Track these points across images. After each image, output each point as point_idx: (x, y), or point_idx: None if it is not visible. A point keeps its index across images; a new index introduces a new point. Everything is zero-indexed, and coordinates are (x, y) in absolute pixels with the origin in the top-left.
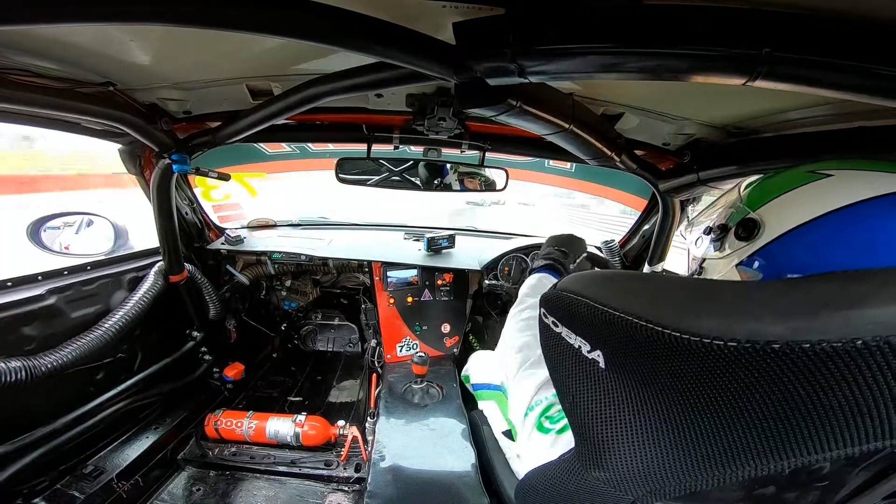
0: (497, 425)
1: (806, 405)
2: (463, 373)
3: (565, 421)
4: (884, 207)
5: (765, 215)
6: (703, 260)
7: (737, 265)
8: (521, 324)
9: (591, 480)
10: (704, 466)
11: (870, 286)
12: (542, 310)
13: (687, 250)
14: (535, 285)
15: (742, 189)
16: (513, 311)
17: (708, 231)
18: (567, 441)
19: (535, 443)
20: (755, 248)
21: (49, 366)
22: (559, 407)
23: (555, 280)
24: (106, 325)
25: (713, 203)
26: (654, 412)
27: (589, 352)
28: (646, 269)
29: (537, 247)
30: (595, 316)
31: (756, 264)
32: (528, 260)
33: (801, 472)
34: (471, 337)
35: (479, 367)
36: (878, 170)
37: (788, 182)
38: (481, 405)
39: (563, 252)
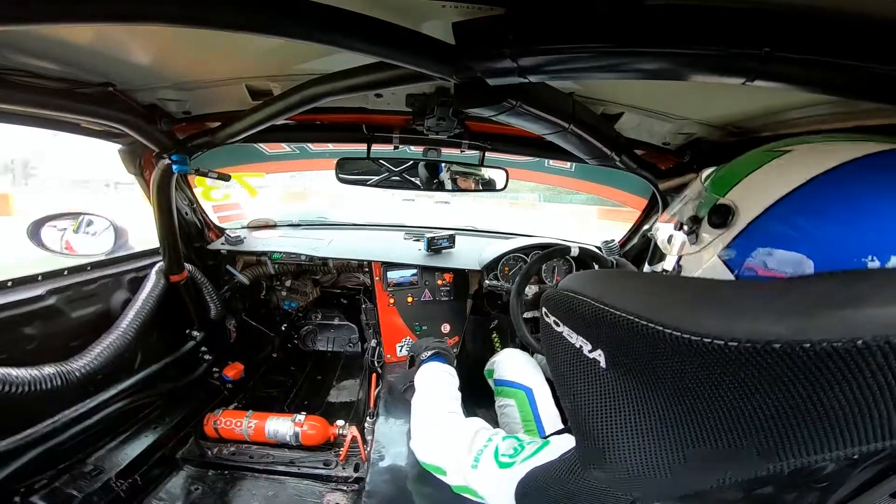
0: (509, 424)
1: (806, 405)
2: (487, 366)
3: (527, 451)
4: (850, 172)
5: (735, 199)
6: (680, 257)
7: (719, 254)
8: (432, 396)
9: (591, 480)
10: (705, 467)
11: (870, 285)
12: (544, 309)
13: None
14: (426, 376)
15: (703, 180)
16: (416, 398)
17: (679, 227)
18: (532, 464)
19: (502, 479)
20: (734, 233)
21: (82, 370)
22: (509, 443)
23: (444, 365)
24: (123, 326)
25: (676, 201)
26: (655, 412)
27: (590, 351)
28: (646, 269)
29: (538, 247)
30: (596, 315)
31: (739, 250)
32: (528, 260)
33: (800, 472)
34: (494, 335)
35: (508, 364)
36: (835, 141)
37: (749, 163)
38: (500, 401)
39: (438, 341)
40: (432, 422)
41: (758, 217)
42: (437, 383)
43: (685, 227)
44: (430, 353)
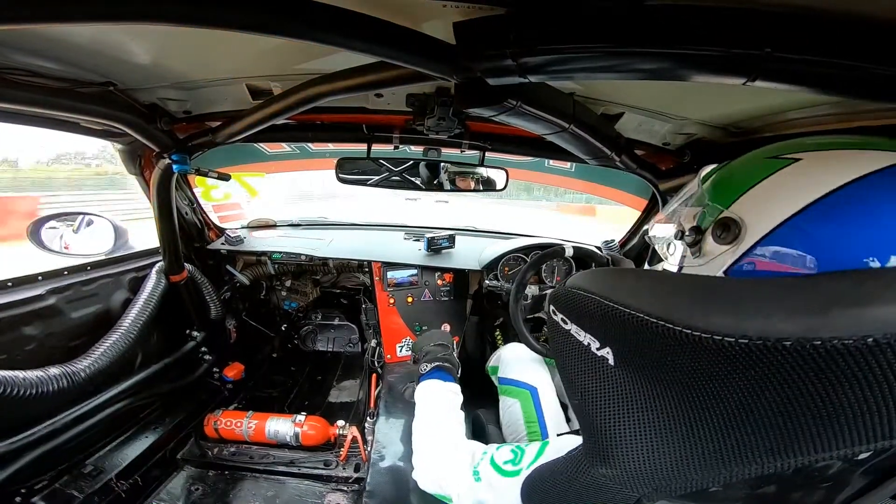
0: (513, 424)
1: (816, 402)
2: (492, 363)
3: (529, 455)
4: (870, 186)
5: (741, 213)
6: (681, 268)
7: (725, 271)
8: (433, 418)
9: (598, 477)
10: (712, 464)
11: (880, 284)
12: (551, 307)
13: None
14: (427, 398)
15: (702, 182)
16: (417, 422)
17: (679, 235)
18: (538, 464)
19: (508, 485)
20: (741, 250)
21: (87, 371)
22: (505, 451)
23: (446, 381)
24: (126, 325)
25: (673, 201)
26: (663, 409)
27: (598, 349)
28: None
29: (538, 247)
30: (604, 313)
31: (747, 268)
32: (528, 260)
33: (805, 471)
34: (497, 332)
35: (512, 362)
36: (843, 147)
37: (753, 172)
38: (504, 400)
39: (441, 345)
40: (434, 453)
41: (770, 233)
42: (438, 412)
43: (686, 237)
44: (429, 366)
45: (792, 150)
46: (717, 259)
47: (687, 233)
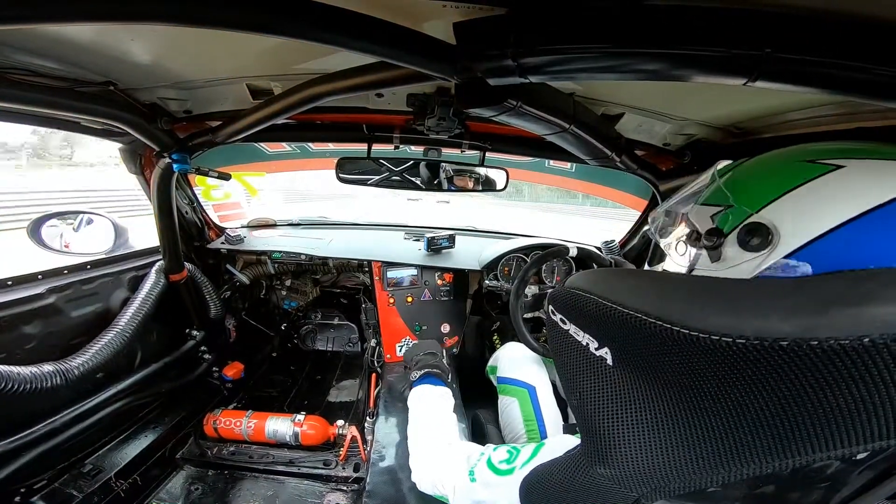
0: (511, 423)
1: (813, 402)
2: (490, 363)
3: (524, 455)
4: None
5: (775, 219)
6: (692, 271)
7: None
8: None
9: (596, 477)
10: (710, 464)
11: (877, 284)
12: (550, 307)
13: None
14: (419, 402)
15: (719, 176)
16: (411, 428)
17: (694, 236)
18: (534, 464)
19: (502, 484)
20: (773, 259)
21: (80, 368)
22: (501, 451)
23: (438, 386)
24: (121, 324)
25: (682, 192)
26: (661, 409)
27: (596, 349)
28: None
29: (538, 247)
30: (603, 313)
31: (781, 277)
32: (528, 260)
33: (804, 471)
34: (495, 336)
35: (511, 361)
36: (892, 157)
37: (788, 176)
38: (503, 399)
39: (430, 353)
40: (429, 455)
41: (810, 243)
42: (430, 415)
43: (706, 241)
44: (419, 373)
45: (832, 156)
46: (742, 266)
47: (704, 236)
